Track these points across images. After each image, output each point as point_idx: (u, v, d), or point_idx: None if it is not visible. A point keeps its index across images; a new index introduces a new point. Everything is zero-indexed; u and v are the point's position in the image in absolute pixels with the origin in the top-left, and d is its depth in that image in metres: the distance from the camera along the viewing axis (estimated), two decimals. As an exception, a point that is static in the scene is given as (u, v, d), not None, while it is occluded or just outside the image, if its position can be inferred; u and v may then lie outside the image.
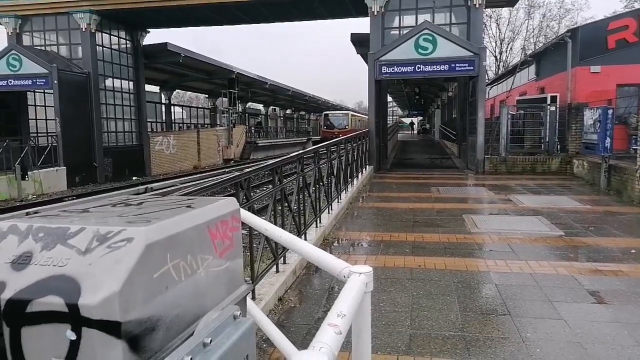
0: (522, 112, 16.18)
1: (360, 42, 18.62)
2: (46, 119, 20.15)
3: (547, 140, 15.12)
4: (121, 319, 1.02)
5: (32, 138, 18.28)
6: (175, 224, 1.24)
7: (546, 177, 13.41)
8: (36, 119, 20.24)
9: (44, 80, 17.14)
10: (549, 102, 15.59)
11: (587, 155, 13.04)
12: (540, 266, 5.41)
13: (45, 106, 20.37)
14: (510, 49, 41.08)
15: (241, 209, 2.78)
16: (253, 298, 4.15)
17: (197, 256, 1.31)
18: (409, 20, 15.85)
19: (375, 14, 15.55)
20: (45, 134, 18.96)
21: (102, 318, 1.01)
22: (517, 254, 5.92)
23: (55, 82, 16.94)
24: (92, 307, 1.01)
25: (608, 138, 11.41)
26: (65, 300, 1.03)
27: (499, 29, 40.23)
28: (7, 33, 18.71)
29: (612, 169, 10.85)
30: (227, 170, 23.10)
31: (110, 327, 1.02)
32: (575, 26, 19.81)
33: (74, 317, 1.02)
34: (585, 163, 12.80)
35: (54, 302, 1.03)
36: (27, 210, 11.72)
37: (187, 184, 16.65)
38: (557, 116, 15.11)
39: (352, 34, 18.83)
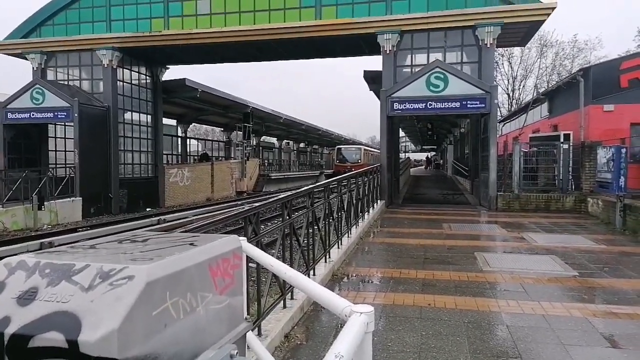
0: (535, 149, 16.13)
1: (372, 78, 18.99)
2: (65, 151, 20.61)
3: (560, 177, 15.00)
4: (119, 356, 1.04)
5: (50, 169, 18.68)
6: (176, 262, 1.27)
7: (560, 215, 13.22)
8: (55, 150, 20.74)
9: (65, 113, 17.67)
10: (562, 139, 15.55)
11: (601, 193, 12.88)
12: (553, 307, 5.29)
13: (65, 138, 20.90)
14: (523, 86, 41.31)
15: (248, 244, 2.81)
16: (259, 334, 4.12)
17: (197, 294, 1.33)
18: (420, 58, 16.15)
19: (388, 52, 15.90)
20: (64, 165, 19.37)
21: (101, 355, 1.03)
22: (529, 294, 5.81)
23: (76, 115, 17.44)
24: (91, 344, 1.03)
25: (622, 177, 11.29)
26: (66, 336, 1.06)
27: (511, 67, 40.63)
28: (33, 68, 19.48)
29: (628, 208, 10.68)
30: (239, 202, 23.23)
31: (108, 364, 1.04)
32: (587, 65, 19.95)
33: (73, 354, 1.05)
34: (600, 202, 12.62)
35: (55, 338, 1.06)
36: (42, 240, 11.88)
37: (198, 217, 16.76)
38: (571, 154, 15.03)
39: (365, 71, 19.26)
